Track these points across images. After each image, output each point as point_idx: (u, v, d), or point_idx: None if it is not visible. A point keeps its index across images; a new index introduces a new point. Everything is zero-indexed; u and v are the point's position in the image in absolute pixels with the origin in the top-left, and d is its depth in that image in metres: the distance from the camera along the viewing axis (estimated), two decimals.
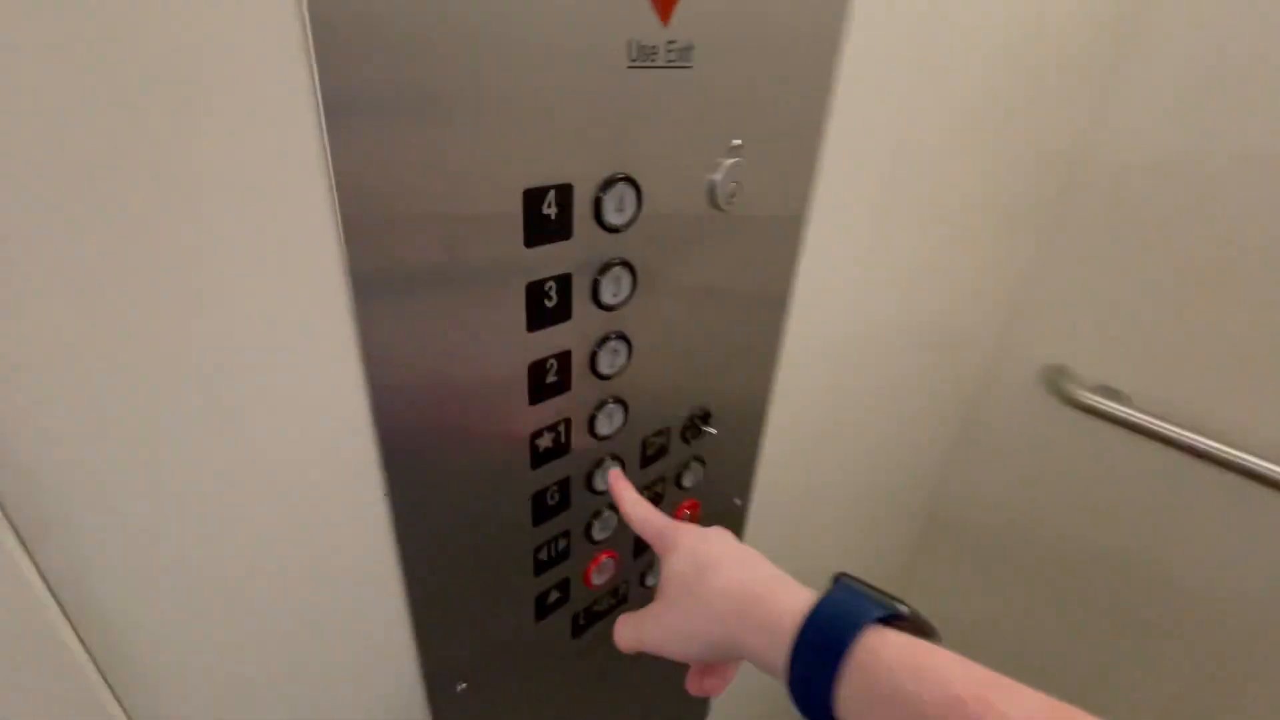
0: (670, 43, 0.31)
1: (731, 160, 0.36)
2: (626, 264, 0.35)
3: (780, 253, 0.45)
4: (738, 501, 0.59)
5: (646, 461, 0.46)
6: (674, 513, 0.52)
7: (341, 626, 0.35)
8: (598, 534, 0.45)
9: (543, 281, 0.32)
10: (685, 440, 0.48)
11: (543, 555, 0.42)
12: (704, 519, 0.55)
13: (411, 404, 0.31)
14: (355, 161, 0.24)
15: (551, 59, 0.27)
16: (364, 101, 0.23)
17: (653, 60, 0.30)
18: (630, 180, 0.32)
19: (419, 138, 0.25)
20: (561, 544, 0.43)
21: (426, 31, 0.23)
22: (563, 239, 0.32)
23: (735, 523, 0.60)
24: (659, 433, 0.45)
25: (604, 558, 0.47)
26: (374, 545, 0.33)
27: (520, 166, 0.28)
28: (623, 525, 0.45)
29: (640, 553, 0.51)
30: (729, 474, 0.56)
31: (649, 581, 0.54)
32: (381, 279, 0.27)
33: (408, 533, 0.34)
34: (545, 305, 0.33)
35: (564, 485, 0.40)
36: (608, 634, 0.36)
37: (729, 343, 0.46)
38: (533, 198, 0.29)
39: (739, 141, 0.37)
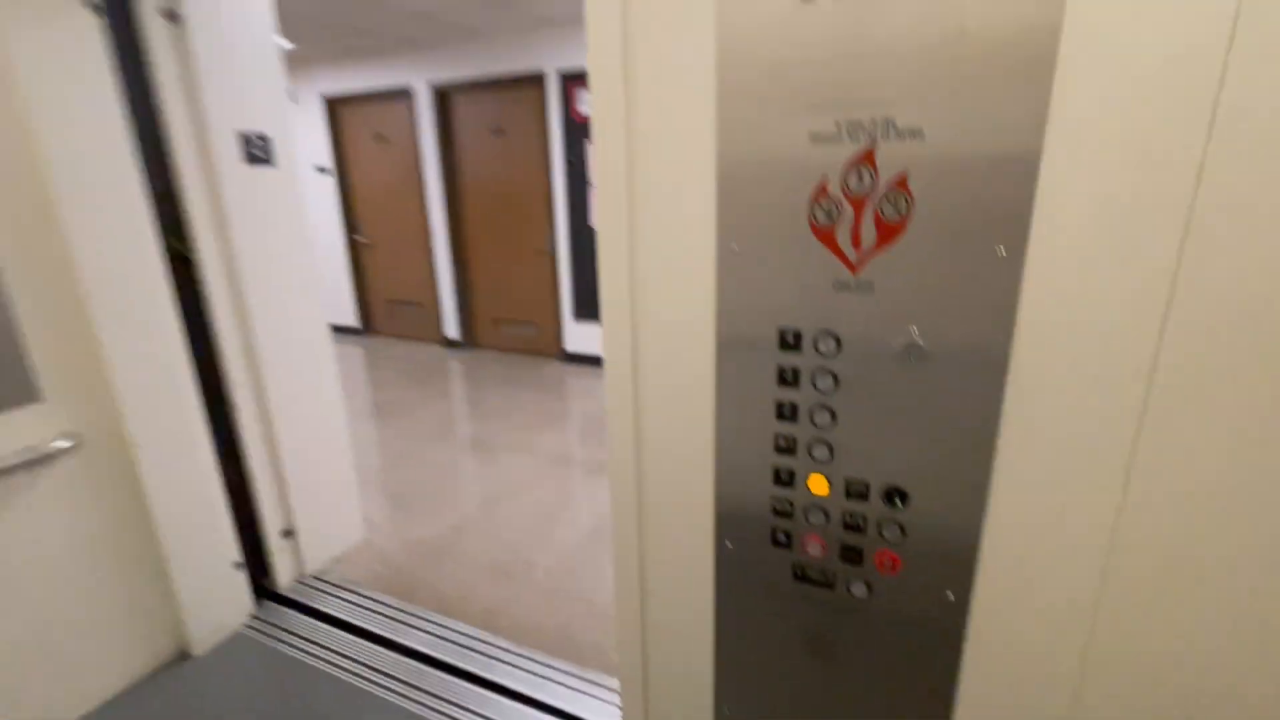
0: (858, 282, 0.67)
1: (904, 341, 0.66)
2: (831, 372, 0.72)
3: (973, 397, 0.67)
4: (950, 596, 0.76)
5: (849, 495, 0.77)
6: (874, 558, 0.78)
7: None
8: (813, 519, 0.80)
9: (786, 368, 0.74)
10: (888, 502, 0.75)
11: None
12: (911, 604, 0.76)
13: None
14: (728, 279, 0.75)
15: (797, 284, 0.70)
16: (735, 252, 0.74)
17: (848, 290, 0.67)
18: (833, 334, 0.70)
19: (751, 279, 0.74)
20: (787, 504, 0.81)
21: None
22: (797, 352, 0.73)
23: (950, 623, 0.76)
24: (860, 482, 0.75)
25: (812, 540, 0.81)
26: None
27: (778, 317, 0.72)
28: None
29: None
30: (937, 558, 0.75)
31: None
32: (728, 346, 0.77)
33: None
34: (786, 379, 0.74)
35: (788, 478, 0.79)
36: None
37: (928, 440, 0.71)
38: (784, 333, 0.72)
39: (915, 328, 0.66)
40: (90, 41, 1.48)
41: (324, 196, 5.70)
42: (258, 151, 1.86)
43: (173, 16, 1.65)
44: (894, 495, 0.73)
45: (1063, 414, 0.63)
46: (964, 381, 0.66)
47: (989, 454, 0.67)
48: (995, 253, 0.61)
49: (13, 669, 1.49)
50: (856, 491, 0.75)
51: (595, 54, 0.74)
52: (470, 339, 5.63)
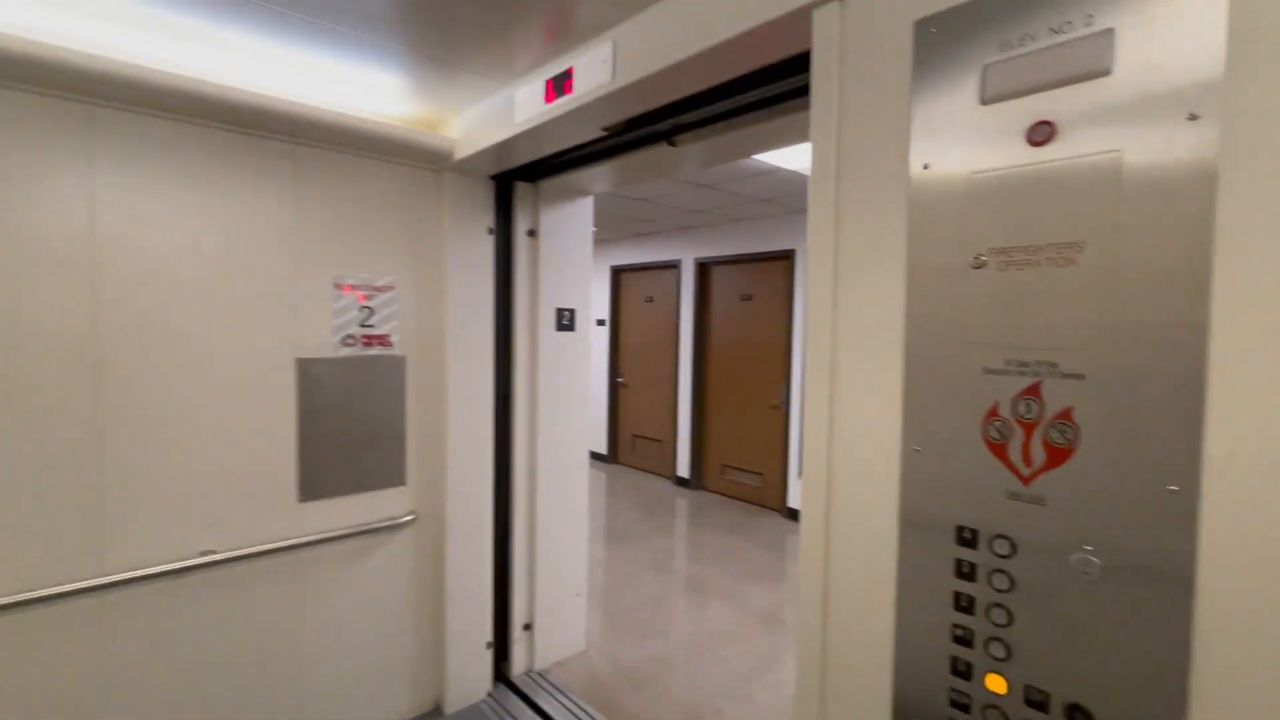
0: (1029, 494, 0.76)
1: (1078, 556, 0.73)
2: (1006, 573, 0.79)
3: (1158, 622, 0.68)
4: None
5: (1029, 703, 0.79)
6: None
7: None
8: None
9: (963, 561, 0.83)
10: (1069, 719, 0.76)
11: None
12: None
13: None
14: (910, 474, 0.89)
15: (972, 487, 0.82)
16: (918, 452, 0.88)
17: (1019, 499, 0.77)
18: (1007, 538, 0.79)
19: (931, 478, 0.87)
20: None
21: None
22: (973, 549, 0.82)
23: None
24: (1041, 691, 0.78)
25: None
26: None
27: (956, 514, 0.84)
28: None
29: None
30: None
31: None
32: (909, 531, 0.90)
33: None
34: (963, 572, 0.83)
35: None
36: None
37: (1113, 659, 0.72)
38: (960, 529, 0.83)
39: (1089, 546, 0.72)
40: (485, 250, 2.26)
41: (599, 343, 6.87)
42: (565, 321, 2.50)
43: (532, 233, 2.42)
44: (1077, 713, 0.75)
45: (1262, 652, 0.63)
46: (1147, 606, 0.69)
47: (1182, 685, 0.67)
48: (1166, 489, 0.68)
49: (342, 679, 2.02)
50: (1036, 701, 0.78)
51: (814, 284, 1.00)
52: (699, 480, 5.98)
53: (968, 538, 0.83)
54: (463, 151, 1.99)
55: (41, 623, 1.53)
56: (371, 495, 2.05)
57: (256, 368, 1.80)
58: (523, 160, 2.04)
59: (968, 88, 0.82)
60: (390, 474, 2.08)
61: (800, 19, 1.04)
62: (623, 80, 1.38)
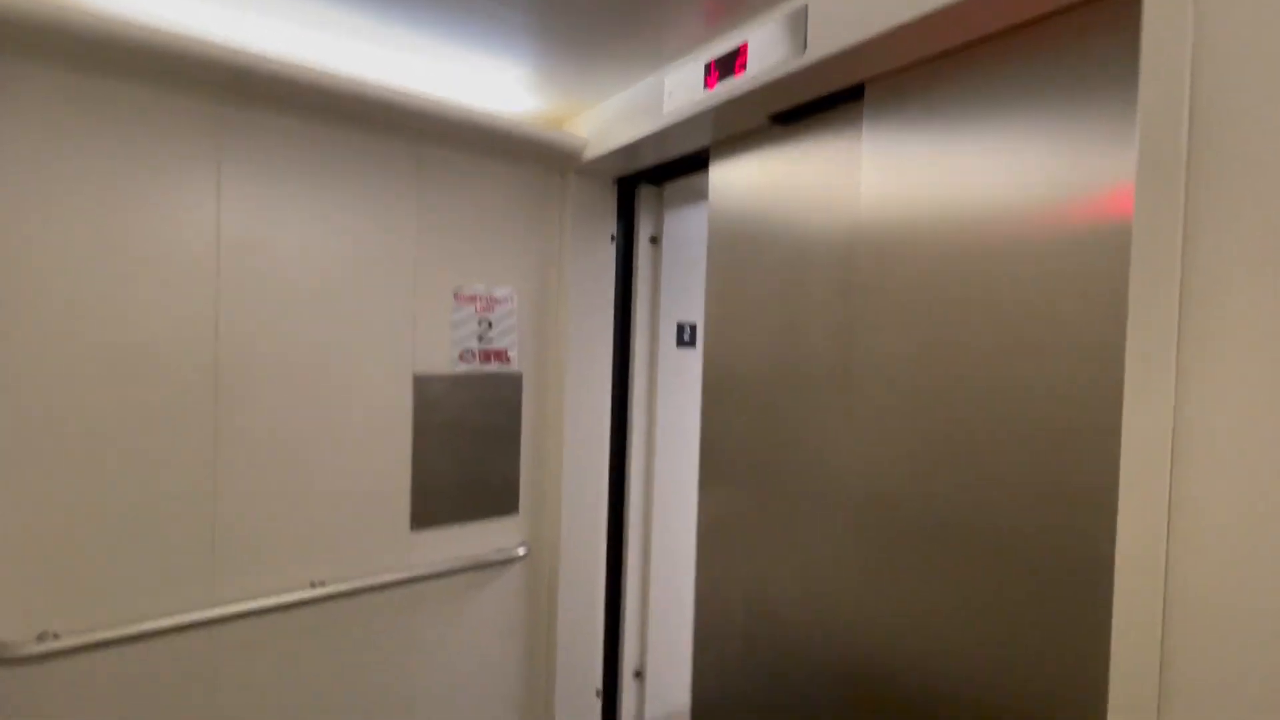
0: None
1: None
2: None
3: None
4: None
5: None
6: None
7: None
8: None
9: None
10: None
11: None
12: None
13: None
14: None
15: None
16: None
17: None
18: None
19: None
20: None
21: None
22: None
23: None
24: None
25: None
26: None
27: None
28: None
29: None
30: None
31: None
32: None
33: None
34: None
35: None
36: None
37: None
38: None
39: None
40: (608, 257, 2.06)
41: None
42: (686, 337, 2.28)
43: (655, 240, 2.21)
44: None
45: None
46: None
47: None
48: None
49: (450, 708, 1.85)
50: None
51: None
52: None
53: None
54: (594, 151, 1.80)
55: (151, 656, 1.42)
56: (483, 525, 1.87)
57: (374, 384, 1.67)
58: (656, 160, 1.84)
59: None
60: (503, 502, 1.90)
61: None
62: (817, 54, 1.15)
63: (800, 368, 1.46)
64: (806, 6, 1.17)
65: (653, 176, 2.05)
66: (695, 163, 1.82)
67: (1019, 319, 1.01)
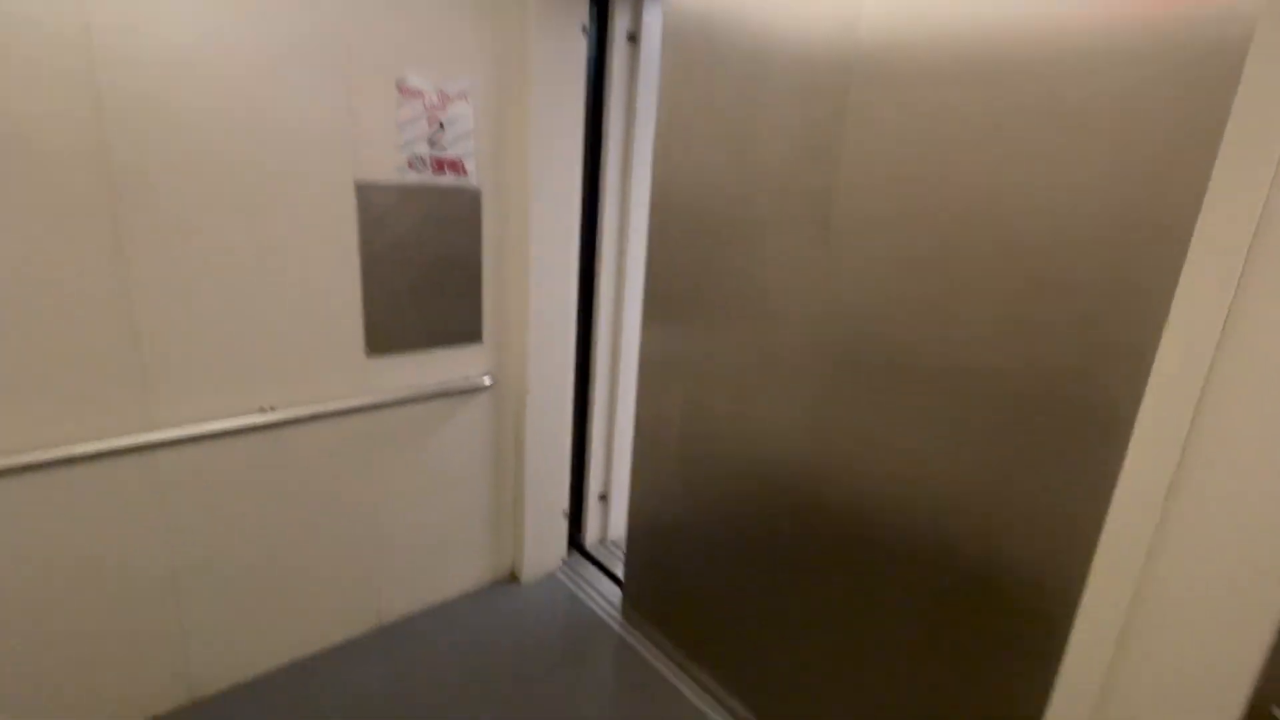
0: None
1: None
2: None
3: None
4: None
5: None
6: None
7: None
8: None
9: None
10: None
11: None
12: None
13: None
14: None
15: None
16: None
17: None
18: None
19: None
20: None
21: None
22: None
23: None
24: None
25: None
26: None
27: None
28: None
29: None
30: None
31: None
32: None
33: None
34: None
35: None
36: None
37: None
38: None
39: None
40: (577, 53, 1.77)
41: None
42: None
43: (633, 38, 1.90)
44: None
45: None
46: None
47: None
48: None
49: (417, 549, 1.88)
50: None
51: None
52: None
53: None
54: None
55: (81, 484, 1.31)
56: (445, 353, 1.76)
57: (309, 188, 1.43)
58: None
59: None
60: (465, 330, 1.78)
61: None
62: None
63: (761, 194, 1.32)
64: None
65: None
66: None
67: (1036, 151, 0.89)
